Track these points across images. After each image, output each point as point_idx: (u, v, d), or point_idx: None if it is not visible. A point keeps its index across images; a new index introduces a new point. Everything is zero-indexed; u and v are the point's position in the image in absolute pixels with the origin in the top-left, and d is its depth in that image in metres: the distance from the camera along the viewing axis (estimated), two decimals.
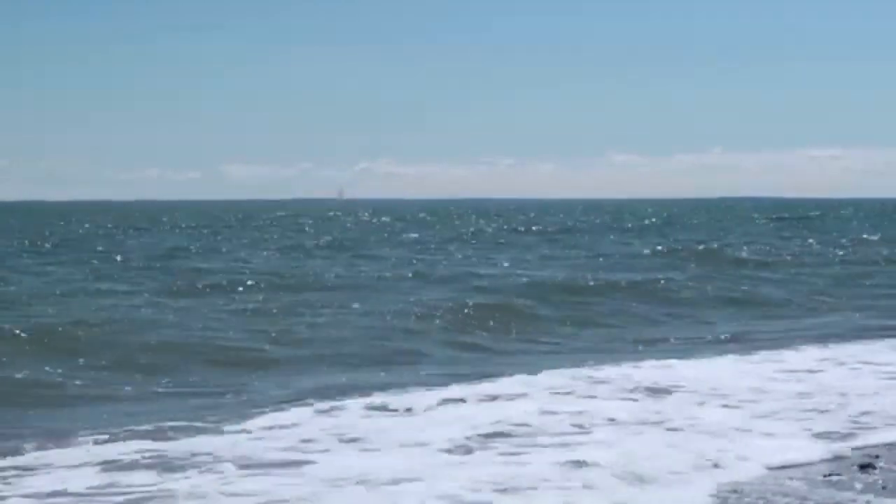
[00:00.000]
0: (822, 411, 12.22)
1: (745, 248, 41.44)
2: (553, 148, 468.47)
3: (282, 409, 12.50)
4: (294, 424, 11.62)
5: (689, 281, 27.73)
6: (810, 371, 15.01)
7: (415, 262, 36.75)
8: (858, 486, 9.06)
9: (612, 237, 56.65)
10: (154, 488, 9.08)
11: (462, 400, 12.88)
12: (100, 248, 44.52)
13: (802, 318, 22.32)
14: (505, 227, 73.69)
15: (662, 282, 27.19)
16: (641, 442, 10.60)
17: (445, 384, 14.13)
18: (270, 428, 11.47)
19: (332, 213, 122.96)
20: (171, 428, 11.51)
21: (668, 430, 11.17)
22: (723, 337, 19.34)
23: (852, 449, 10.38)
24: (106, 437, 11.13)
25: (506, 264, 35.66)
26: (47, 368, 15.29)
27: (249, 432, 11.28)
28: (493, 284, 26.55)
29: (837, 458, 10.09)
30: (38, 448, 10.70)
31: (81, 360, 15.84)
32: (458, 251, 43.13)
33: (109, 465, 9.86)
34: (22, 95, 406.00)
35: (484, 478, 9.24)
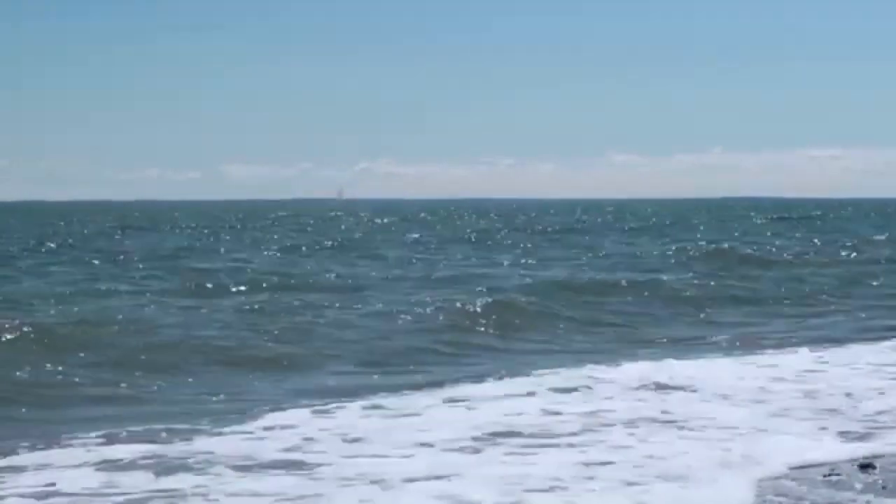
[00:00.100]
0: (832, 410, 12.20)
1: (750, 247, 41.38)
2: (553, 148, 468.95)
3: (283, 409, 12.45)
4: (295, 425, 11.56)
5: (695, 280, 27.64)
6: (817, 371, 14.98)
7: (415, 261, 36.77)
8: (858, 486, 9.03)
9: (616, 237, 56.62)
10: (152, 489, 9.03)
11: (466, 399, 12.83)
12: (102, 249, 44.48)
13: (809, 318, 22.27)
14: (506, 227, 73.67)
15: (669, 281, 27.12)
16: (659, 441, 10.58)
17: (450, 384, 14.08)
18: (271, 428, 11.41)
19: (332, 214, 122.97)
20: (171, 428, 11.46)
21: (682, 429, 11.13)
22: (730, 336, 19.29)
23: (876, 448, 10.36)
24: (104, 436, 11.08)
25: (508, 263, 35.67)
26: (48, 368, 15.22)
27: (251, 433, 11.22)
28: (498, 284, 26.46)
29: (863, 457, 10.01)
30: (35, 448, 10.65)
31: (82, 360, 15.75)
32: (461, 251, 43.07)
33: (107, 465, 9.81)
34: (22, 95, 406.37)
35: (499, 477, 9.20)
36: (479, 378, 14.54)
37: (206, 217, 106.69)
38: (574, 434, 10.97)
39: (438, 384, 14.11)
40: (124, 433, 11.20)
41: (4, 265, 34.57)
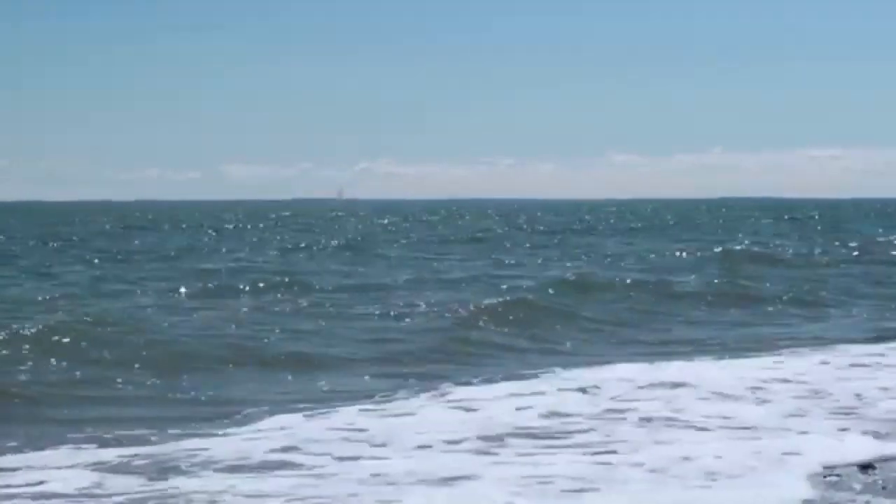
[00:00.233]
0: (848, 410, 12.15)
1: (758, 247, 41.39)
2: (553, 148, 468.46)
3: (286, 411, 12.41)
4: (293, 425, 11.50)
5: (706, 280, 27.52)
6: (824, 371, 14.90)
7: (421, 261, 36.70)
8: (858, 486, 8.99)
9: (621, 238, 56.42)
10: (147, 490, 8.94)
11: (477, 399, 12.79)
12: (107, 249, 44.35)
13: (824, 319, 22.16)
14: (509, 227, 73.62)
15: (680, 282, 27.04)
16: (686, 440, 10.53)
17: (462, 385, 14.04)
18: (274, 429, 11.35)
19: (333, 214, 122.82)
20: (167, 429, 11.42)
21: (703, 429, 11.10)
22: (741, 337, 19.25)
23: None
24: (99, 437, 11.03)
25: (514, 263, 35.62)
26: (49, 368, 15.15)
27: (257, 433, 11.16)
28: (507, 284, 26.34)
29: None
30: (28, 448, 10.59)
31: (82, 361, 15.58)
32: (467, 252, 42.97)
33: (101, 466, 9.73)
34: (22, 95, 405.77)
35: (520, 477, 9.14)
36: (490, 378, 14.49)
37: (208, 217, 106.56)
38: (585, 432, 10.95)
39: (450, 385, 14.05)
40: (120, 434, 11.16)
41: (7, 265, 34.55)
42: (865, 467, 9.53)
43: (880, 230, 60.55)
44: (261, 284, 26.18)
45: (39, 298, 23.31)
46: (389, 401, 13.04)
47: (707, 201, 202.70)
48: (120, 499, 8.75)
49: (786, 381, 14.07)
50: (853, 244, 44.48)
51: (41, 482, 9.20)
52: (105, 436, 11.11)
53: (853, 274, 31.33)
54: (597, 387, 13.55)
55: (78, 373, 14.96)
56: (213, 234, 63.97)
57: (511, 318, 20.44)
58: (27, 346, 16.29)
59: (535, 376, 14.67)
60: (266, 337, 17.93)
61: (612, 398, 12.84)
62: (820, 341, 18.19)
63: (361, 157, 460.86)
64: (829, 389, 13.41)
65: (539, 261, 36.78)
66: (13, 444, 10.83)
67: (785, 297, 24.97)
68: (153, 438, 10.95)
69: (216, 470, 9.57)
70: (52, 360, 15.54)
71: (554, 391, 13.30)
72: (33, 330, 17.10)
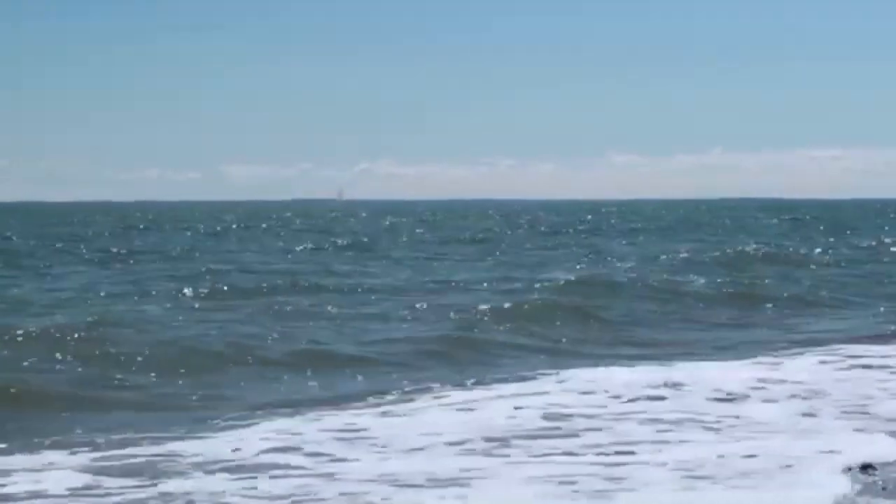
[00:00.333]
0: (863, 410, 12.08)
1: (767, 248, 41.27)
2: (553, 148, 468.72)
3: (288, 411, 12.33)
4: (298, 426, 11.37)
5: (715, 280, 27.35)
6: (831, 371, 14.83)
7: (430, 262, 36.64)
8: (858, 486, 8.90)
9: (623, 238, 56.51)
10: (144, 490, 8.85)
11: (478, 401, 12.72)
12: (108, 249, 44.32)
13: (833, 319, 22.05)
14: (512, 227, 73.59)
15: (688, 282, 26.94)
16: (701, 439, 10.46)
17: (474, 386, 13.96)
18: (282, 429, 11.22)
19: (334, 214, 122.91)
20: (168, 429, 11.35)
21: (720, 430, 10.99)
22: (748, 337, 19.21)
23: None
24: (96, 437, 10.96)
25: (516, 263, 35.63)
26: (48, 368, 15.04)
27: (256, 433, 11.02)
28: (513, 285, 26.31)
29: None
30: (24, 449, 10.51)
31: (81, 361, 15.46)
32: (472, 252, 42.93)
33: (97, 467, 9.64)
34: (22, 95, 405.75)
35: (541, 478, 9.04)
36: (497, 379, 14.38)
37: (209, 217, 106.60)
38: (598, 431, 10.87)
39: (456, 386, 13.98)
40: (116, 434, 11.10)
41: (8, 265, 34.42)
42: (865, 467, 9.46)
43: (886, 228, 60.64)
44: (264, 285, 26.08)
45: (40, 299, 23.23)
46: (393, 402, 12.92)
47: (707, 202, 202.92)
48: (117, 498, 8.68)
49: (789, 381, 13.97)
50: (862, 245, 44.47)
51: (36, 483, 9.12)
52: (101, 436, 11.02)
53: (864, 274, 31.26)
54: (604, 388, 13.44)
55: (76, 373, 14.85)
56: (215, 234, 63.97)
57: (517, 319, 20.32)
58: (27, 347, 16.17)
59: (542, 377, 14.57)
60: (267, 337, 17.73)
61: (618, 399, 12.75)
62: (829, 341, 18.09)
63: (361, 157, 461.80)
64: (834, 389, 13.33)
65: (543, 261, 36.73)
66: (7, 444, 10.76)
67: (794, 298, 24.92)
68: (150, 438, 10.85)
69: (214, 471, 9.46)
70: (51, 361, 15.41)
71: (562, 392, 13.22)
72: (32, 330, 16.98)
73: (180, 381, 14.58)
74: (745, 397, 12.85)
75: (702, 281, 27.36)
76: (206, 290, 25.05)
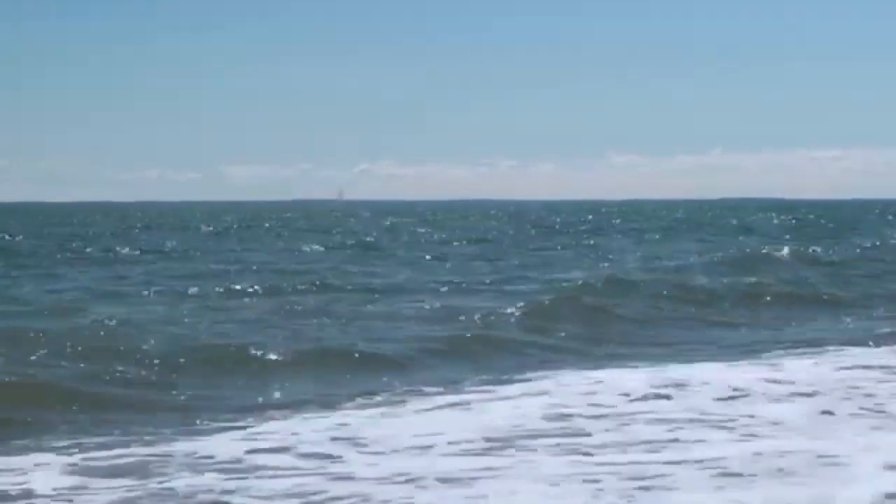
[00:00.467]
0: (879, 406, 12.00)
1: (769, 247, 41.12)
2: (553, 148, 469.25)
3: (290, 412, 12.20)
4: (298, 427, 11.22)
5: (724, 281, 27.11)
6: (836, 371, 14.63)
7: (434, 262, 36.47)
8: None
9: (627, 238, 56.35)
10: (135, 490, 8.70)
11: (483, 402, 12.56)
12: (111, 249, 44.22)
13: (843, 320, 21.81)
14: (513, 228, 73.51)
15: (697, 283, 26.67)
16: (721, 438, 10.34)
17: (475, 385, 13.85)
18: (282, 430, 11.08)
19: (336, 214, 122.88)
20: (164, 429, 11.25)
21: (733, 428, 10.84)
22: (752, 337, 19.16)
23: None
24: (92, 437, 10.87)
25: (520, 264, 35.44)
26: (47, 368, 14.79)
27: (256, 433, 10.88)
28: (519, 286, 26.14)
29: None
30: (14, 450, 10.38)
31: (82, 362, 15.23)
32: (477, 252, 42.77)
33: (88, 468, 9.48)
34: (22, 95, 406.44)
35: (563, 476, 8.91)
36: (505, 380, 14.23)
37: (210, 217, 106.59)
38: (612, 431, 10.76)
39: (464, 386, 13.84)
40: (114, 434, 11.00)
41: (9, 265, 34.23)
42: None
43: (888, 230, 60.60)
44: (267, 284, 25.88)
45: (41, 299, 23.04)
46: (394, 402, 12.76)
47: (708, 202, 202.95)
48: (112, 497, 8.55)
49: (796, 381, 13.78)
50: (866, 244, 44.37)
51: (25, 483, 8.99)
52: (97, 436, 10.93)
53: (867, 274, 31.06)
54: (611, 388, 13.28)
55: (77, 373, 14.61)
56: (217, 234, 63.90)
57: (524, 319, 20.13)
58: (27, 347, 15.92)
59: (547, 377, 14.45)
60: (269, 336, 17.54)
61: (626, 398, 12.62)
62: (832, 341, 17.96)
63: (361, 157, 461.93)
64: (842, 389, 13.18)
65: (548, 261, 36.65)
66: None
67: (796, 298, 24.85)
68: (145, 439, 10.71)
69: (209, 470, 9.30)
70: (52, 360, 15.16)
71: (569, 392, 13.05)
72: (32, 331, 16.81)
73: (178, 382, 14.38)
74: (754, 397, 12.69)
75: (707, 280, 27.23)
76: (208, 290, 24.89)
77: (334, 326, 19.09)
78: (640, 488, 8.62)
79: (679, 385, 13.38)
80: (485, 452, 9.89)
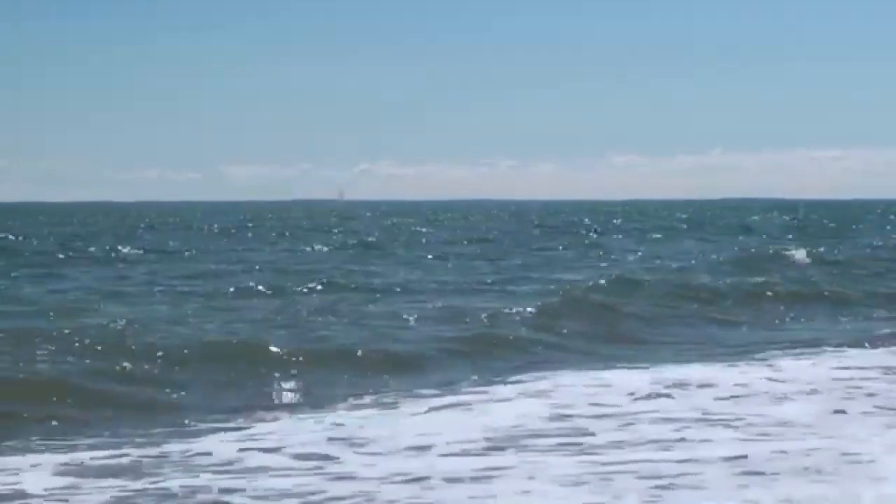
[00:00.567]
0: (891, 404, 11.95)
1: (773, 247, 41.07)
2: (553, 148, 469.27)
3: (289, 412, 12.19)
4: (298, 426, 11.15)
5: (729, 280, 26.96)
6: (845, 369, 14.62)
7: (436, 262, 36.40)
8: None
9: (629, 238, 56.27)
10: (129, 490, 8.61)
11: (488, 402, 12.46)
12: (113, 249, 44.15)
13: (849, 320, 21.78)
14: (514, 228, 73.43)
15: (700, 283, 26.53)
16: (728, 437, 10.29)
17: (481, 385, 13.76)
18: (282, 430, 11.00)
19: (336, 214, 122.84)
20: (161, 429, 11.16)
21: (743, 428, 10.76)
22: (753, 337, 19.14)
23: None
24: (88, 437, 10.81)
25: (523, 264, 35.33)
26: (45, 368, 14.68)
27: (255, 434, 10.78)
28: (522, 287, 26.03)
29: None
30: (6, 450, 10.29)
31: (81, 362, 15.05)
32: (479, 251, 42.65)
33: (82, 468, 9.41)
34: (22, 95, 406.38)
35: (579, 475, 8.85)
36: (508, 380, 14.14)
37: (211, 218, 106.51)
38: (620, 430, 10.67)
39: (468, 386, 13.75)
40: (109, 434, 10.95)
41: (11, 265, 34.07)
42: None
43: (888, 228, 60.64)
44: (271, 284, 25.78)
45: (41, 300, 22.90)
46: (397, 403, 12.66)
47: (708, 202, 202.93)
48: (104, 497, 8.46)
49: (800, 381, 13.76)
50: (868, 244, 44.33)
51: (17, 483, 8.89)
52: (92, 436, 10.87)
53: (869, 274, 30.97)
54: (615, 388, 13.23)
55: (76, 372, 14.43)
56: (218, 234, 63.86)
57: (529, 319, 19.97)
58: (26, 346, 15.81)
59: (548, 377, 14.36)
60: (271, 336, 17.37)
61: (631, 397, 12.56)
62: (833, 341, 17.89)
63: (361, 157, 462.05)
64: (846, 389, 13.12)
65: (551, 261, 36.58)
66: None
67: (799, 297, 24.74)
68: (140, 440, 10.60)
69: (205, 470, 9.22)
70: (50, 361, 15.03)
71: (572, 392, 12.98)
72: (31, 331, 16.73)
73: (176, 381, 14.24)
74: (759, 396, 12.62)
75: (710, 280, 27.15)
76: (211, 290, 24.79)
77: (339, 326, 19.00)
78: (659, 487, 8.52)
79: (682, 385, 13.31)
80: (485, 452, 9.80)
